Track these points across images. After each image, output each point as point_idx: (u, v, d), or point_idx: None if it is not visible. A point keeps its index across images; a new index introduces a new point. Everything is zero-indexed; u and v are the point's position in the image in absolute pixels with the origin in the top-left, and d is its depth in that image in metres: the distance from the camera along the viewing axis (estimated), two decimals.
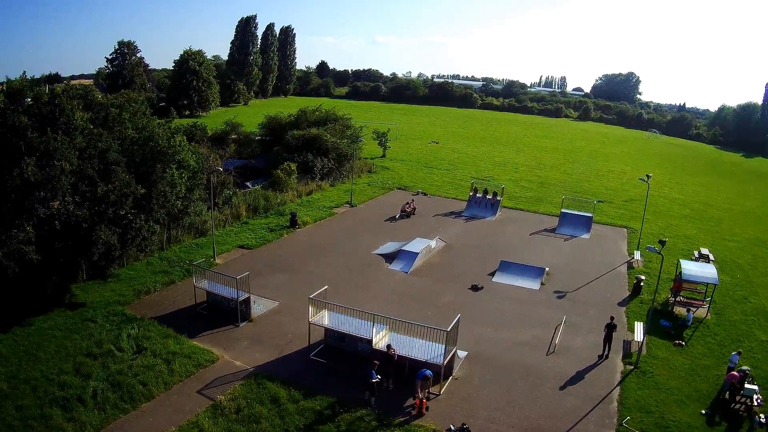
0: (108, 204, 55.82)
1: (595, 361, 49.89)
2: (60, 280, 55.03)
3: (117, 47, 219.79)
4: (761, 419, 41.99)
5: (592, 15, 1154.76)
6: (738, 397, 44.07)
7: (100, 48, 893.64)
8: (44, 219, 51.71)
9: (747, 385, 44.01)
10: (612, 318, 51.91)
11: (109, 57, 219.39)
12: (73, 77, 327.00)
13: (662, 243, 74.47)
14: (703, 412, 43.36)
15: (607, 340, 50.78)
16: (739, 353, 49.23)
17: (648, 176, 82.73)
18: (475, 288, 64.70)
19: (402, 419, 40.31)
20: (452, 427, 39.64)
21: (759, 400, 43.78)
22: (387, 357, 42.98)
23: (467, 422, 39.60)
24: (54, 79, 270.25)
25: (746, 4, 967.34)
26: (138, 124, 67.72)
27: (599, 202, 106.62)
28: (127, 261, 64.63)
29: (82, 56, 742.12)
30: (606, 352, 50.92)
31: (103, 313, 52.68)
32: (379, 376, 41.31)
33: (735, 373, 44.77)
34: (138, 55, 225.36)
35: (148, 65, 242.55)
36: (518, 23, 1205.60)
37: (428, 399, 42.03)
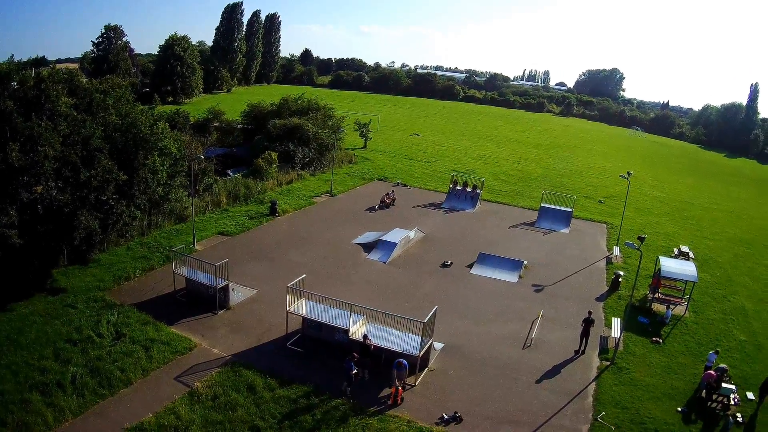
0: (90, 189, 55.92)
1: (572, 356, 50.20)
2: (41, 265, 55.08)
3: (103, 31, 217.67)
4: (738, 419, 42.35)
5: (577, 11, 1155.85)
6: (715, 396, 44.57)
7: (86, 32, 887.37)
8: (27, 203, 51.69)
9: (724, 385, 44.53)
10: (590, 313, 52.26)
11: (95, 41, 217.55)
12: (59, 60, 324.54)
13: (641, 239, 74.90)
14: (679, 409, 43.74)
15: (584, 335, 51.07)
16: (716, 352, 49.72)
17: (629, 173, 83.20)
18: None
19: (377, 409, 40.60)
20: (445, 416, 40.06)
21: (736, 400, 44.33)
22: (363, 347, 43.14)
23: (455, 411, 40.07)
24: (40, 62, 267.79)
25: (732, 4, 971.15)
26: (122, 110, 67.66)
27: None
28: (108, 246, 64.49)
29: (68, 40, 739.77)
30: (583, 347, 51.22)
31: (84, 299, 52.64)
32: (356, 369, 41.42)
33: (712, 372, 45.20)
34: (124, 39, 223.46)
35: (133, 50, 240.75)
36: (504, 21, 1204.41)
37: (403, 389, 42.22)
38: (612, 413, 42.45)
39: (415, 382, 43.73)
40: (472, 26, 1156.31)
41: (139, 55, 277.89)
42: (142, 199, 64.91)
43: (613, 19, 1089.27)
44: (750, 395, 46.08)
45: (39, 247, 53.53)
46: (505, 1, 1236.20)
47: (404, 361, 41.82)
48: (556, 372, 47.24)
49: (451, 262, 67.87)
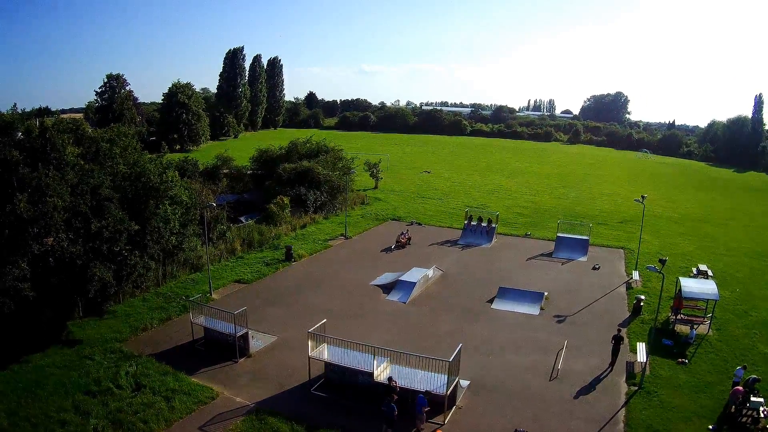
0: (102, 240, 55.68)
1: (600, 379, 50.06)
2: (55, 316, 54.85)
3: (106, 80, 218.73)
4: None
5: (578, 38, 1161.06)
6: (744, 410, 44.04)
7: (89, 81, 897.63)
8: (39, 255, 51.49)
9: (753, 398, 44.11)
10: (619, 330, 53.68)
11: (99, 90, 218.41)
12: (63, 111, 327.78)
13: (662, 262, 74.32)
14: (711, 427, 43.33)
15: (615, 352, 51.88)
16: (744, 367, 49.08)
17: (643, 197, 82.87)
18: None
19: None
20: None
21: (765, 412, 43.80)
22: (388, 389, 42.54)
23: None
24: (44, 112, 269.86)
25: (731, 19, 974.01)
26: (129, 159, 67.56)
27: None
28: (123, 297, 64.22)
29: (71, 90, 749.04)
30: (613, 363, 51.87)
31: (101, 350, 52.37)
32: (396, 410, 40.80)
33: (740, 387, 44.66)
34: (127, 88, 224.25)
35: (137, 98, 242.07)
36: (507, 55, 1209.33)
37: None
38: None
39: (444, 421, 42.98)
40: (474, 60, 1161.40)
41: (143, 103, 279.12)
42: (155, 249, 64.58)
43: (614, 44, 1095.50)
44: None
45: (53, 299, 53.31)
46: (507, 34, 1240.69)
47: (420, 396, 41.46)
48: (584, 401, 46.56)
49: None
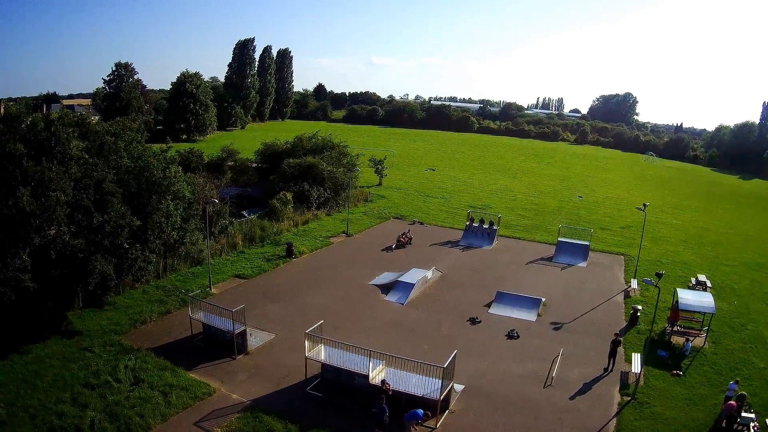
0: (104, 234, 56.00)
1: (598, 376, 51.29)
2: (56, 307, 55.21)
3: (114, 69, 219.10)
4: None
5: (589, 37, 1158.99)
6: (735, 426, 44.26)
7: (97, 67, 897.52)
8: (40, 248, 51.81)
9: (744, 414, 44.28)
10: (616, 335, 54.66)
11: (106, 78, 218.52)
12: (71, 96, 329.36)
13: (659, 275, 74.42)
14: None
15: (612, 354, 52.94)
16: (737, 382, 49.07)
17: (645, 205, 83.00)
18: (473, 321, 64.62)
19: None
20: None
21: (756, 428, 44.01)
22: (381, 392, 42.89)
23: None
24: (52, 98, 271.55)
25: (744, 23, 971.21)
26: (133, 152, 67.80)
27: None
28: (124, 289, 64.71)
29: (79, 75, 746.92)
30: (611, 367, 52.90)
31: (100, 343, 52.77)
32: (388, 412, 41.19)
33: (733, 402, 44.85)
34: (135, 77, 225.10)
35: (145, 86, 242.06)
36: (517, 49, 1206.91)
37: None
38: None
39: (435, 425, 43.37)
40: (484, 56, 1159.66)
41: (152, 90, 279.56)
42: (156, 244, 64.92)
43: (625, 44, 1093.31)
44: None
45: (53, 291, 53.74)
46: (517, 30, 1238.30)
47: (418, 412, 41.77)
48: (576, 409, 46.75)
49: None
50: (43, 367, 47.75)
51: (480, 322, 64.27)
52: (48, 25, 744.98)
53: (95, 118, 75.78)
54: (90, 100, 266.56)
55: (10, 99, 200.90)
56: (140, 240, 61.45)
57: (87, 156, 59.90)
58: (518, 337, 58.97)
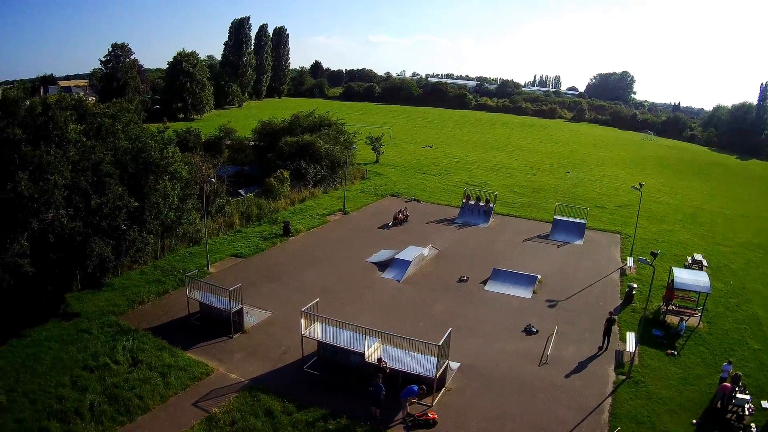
0: (102, 216, 56.11)
1: (590, 361, 51.44)
2: (54, 290, 55.38)
3: (111, 50, 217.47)
4: (752, 429, 42.42)
5: (587, 16, 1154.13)
6: (730, 407, 44.41)
7: (94, 48, 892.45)
8: (38, 232, 51.85)
9: (739, 395, 44.49)
10: (611, 313, 54.95)
11: (103, 59, 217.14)
12: (67, 77, 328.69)
13: (654, 255, 74.51)
14: (695, 421, 43.56)
15: (607, 333, 53.42)
16: (730, 362, 49.39)
17: (641, 185, 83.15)
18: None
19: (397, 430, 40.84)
20: None
21: (751, 409, 44.18)
22: (378, 370, 43.15)
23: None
24: (48, 80, 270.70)
25: (742, 4, 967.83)
26: (131, 134, 67.75)
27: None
28: (121, 270, 64.67)
29: (76, 56, 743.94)
30: (605, 345, 53.38)
31: (98, 324, 52.84)
32: (384, 390, 41.47)
33: (727, 384, 44.99)
34: (132, 57, 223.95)
35: (142, 66, 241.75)
36: (514, 29, 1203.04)
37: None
38: (628, 427, 42.34)
39: (432, 403, 43.65)
40: (481, 35, 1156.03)
41: (149, 70, 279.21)
42: (154, 224, 65.13)
43: (623, 22, 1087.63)
44: (765, 404, 45.91)
45: (52, 274, 53.91)
46: (514, 11, 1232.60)
47: (413, 387, 42.08)
48: (572, 388, 47.11)
49: (468, 278, 67.86)
50: (42, 351, 47.89)
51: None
52: (44, 6, 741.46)
53: (92, 100, 75.39)
54: (87, 81, 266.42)
55: (6, 82, 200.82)
56: (138, 221, 61.57)
57: (84, 139, 59.89)
58: (537, 332, 57.58)
